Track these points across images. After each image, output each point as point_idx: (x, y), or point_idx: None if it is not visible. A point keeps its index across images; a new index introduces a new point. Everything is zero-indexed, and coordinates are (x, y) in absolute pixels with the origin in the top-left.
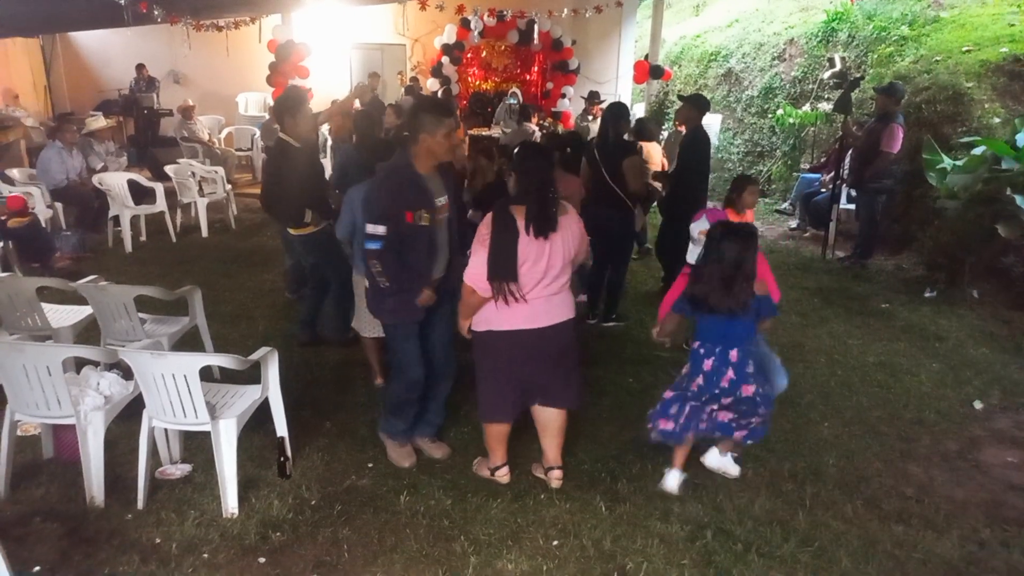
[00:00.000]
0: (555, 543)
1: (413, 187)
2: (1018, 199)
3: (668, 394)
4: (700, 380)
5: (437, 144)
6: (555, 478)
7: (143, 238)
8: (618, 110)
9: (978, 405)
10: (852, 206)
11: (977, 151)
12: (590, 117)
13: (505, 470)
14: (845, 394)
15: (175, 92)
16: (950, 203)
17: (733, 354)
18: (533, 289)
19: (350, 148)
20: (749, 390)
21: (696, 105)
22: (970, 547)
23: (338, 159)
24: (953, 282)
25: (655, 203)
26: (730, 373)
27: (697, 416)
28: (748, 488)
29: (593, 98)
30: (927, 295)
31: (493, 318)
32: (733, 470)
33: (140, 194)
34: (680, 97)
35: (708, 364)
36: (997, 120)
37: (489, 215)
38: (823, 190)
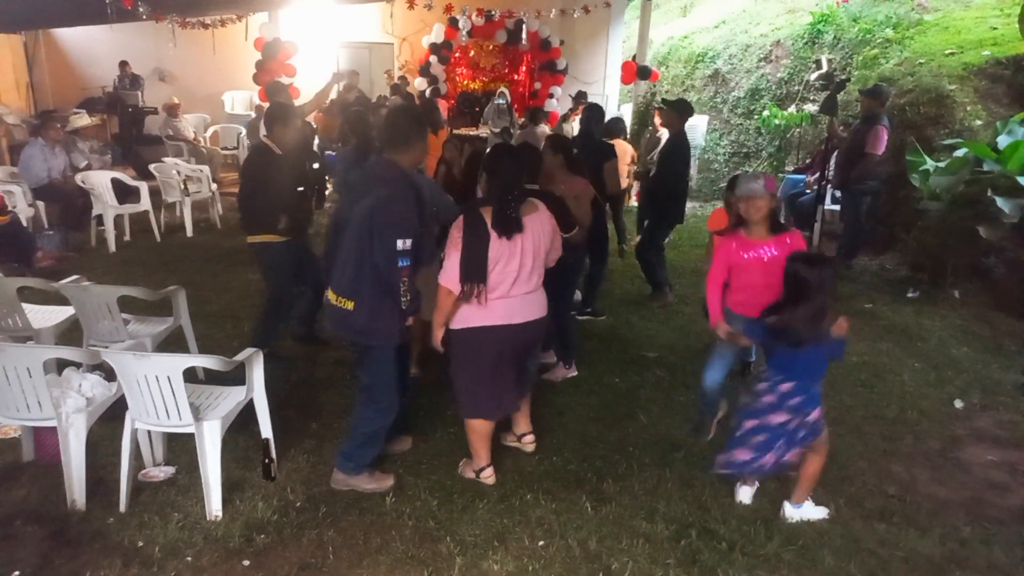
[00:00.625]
0: (541, 543)
1: (417, 197)
2: (999, 201)
3: (750, 423)
4: (784, 417)
5: (423, 152)
6: (528, 442)
7: (127, 238)
8: (598, 112)
9: (959, 404)
10: (837, 207)
11: (959, 153)
12: (574, 118)
13: (490, 471)
14: (829, 393)
15: (160, 90)
16: (933, 204)
17: (816, 388)
18: (512, 287)
19: (349, 153)
20: (817, 413)
21: (679, 111)
22: (951, 545)
23: (338, 169)
24: (936, 283)
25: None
26: (815, 413)
27: (777, 447)
28: (732, 488)
29: (580, 98)
30: (910, 295)
31: (473, 316)
32: (818, 513)
33: (124, 193)
34: (664, 102)
35: (796, 401)
36: (979, 122)
37: (460, 218)
38: (808, 191)
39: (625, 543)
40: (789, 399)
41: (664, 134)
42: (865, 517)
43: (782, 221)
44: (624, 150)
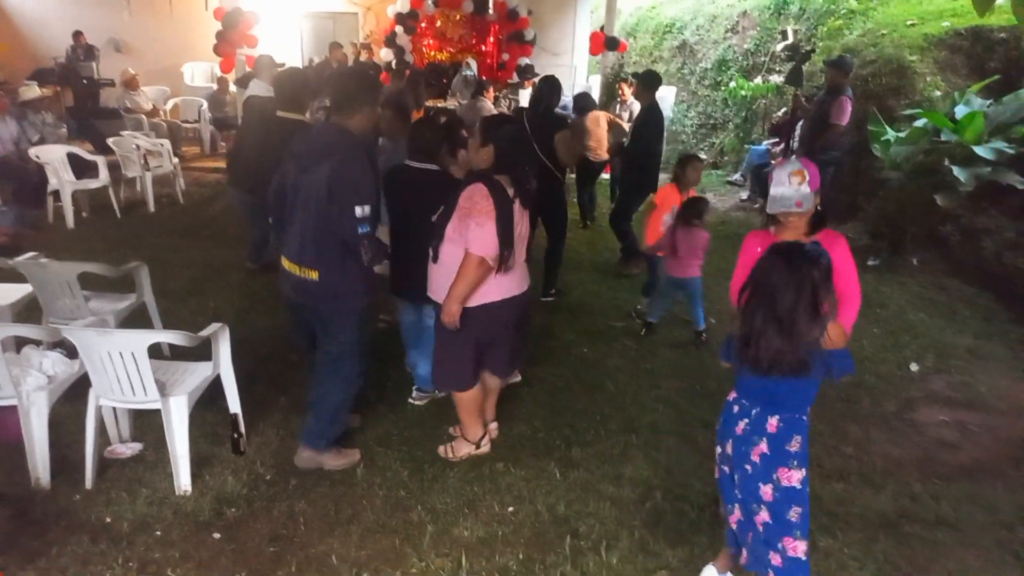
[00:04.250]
0: (510, 509)
1: (374, 164)
2: (955, 170)
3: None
4: (729, 447)
5: (374, 119)
6: (494, 429)
7: (85, 214)
8: (554, 83)
9: (914, 368)
10: None
11: (919, 123)
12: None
13: (487, 437)
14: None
15: (116, 61)
16: (893, 174)
17: (772, 423)
18: (519, 255)
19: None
20: (792, 478)
21: (648, 83)
22: (903, 501)
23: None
24: (895, 251)
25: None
26: (763, 446)
27: (730, 493)
28: (696, 450)
29: (527, 72)
30: (871, 263)
31: (491, 290)
32: None
33: (81, 168)
34: (634, 75)
35: (740, 428)
36: (938, 93)
37: (480, 187)
38: (772, 162)
39: (592, 506)
40: (735, 423)
41: (634, 105)
42: (824, 477)
43: (747, 193)
44: (597, 117)
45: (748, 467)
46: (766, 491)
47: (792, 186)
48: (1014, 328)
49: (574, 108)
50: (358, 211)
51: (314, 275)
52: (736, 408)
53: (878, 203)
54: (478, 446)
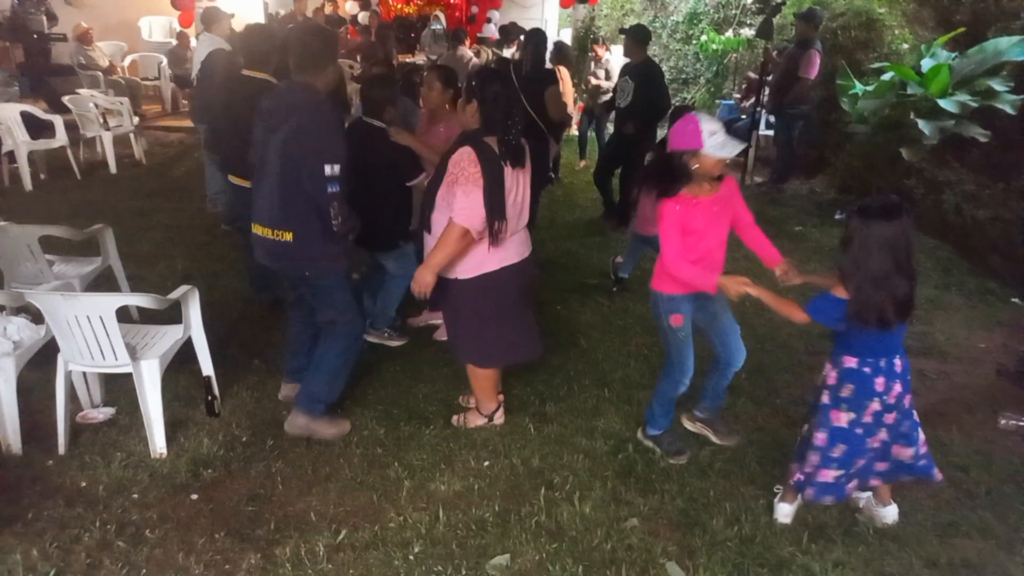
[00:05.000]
0: (486, 463)
1: (341, 122)
2: (920, 123)
3: (821, 438)
4: (877, 405)
5: (337, 76)
6: (499, 398)
7: (44, 176)
8: (541, 36)
9: None
10: (771, 132)
11: (886, 77)
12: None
13: (500, 410)
14: (759, 312)
15: (67, 14)
16: (860, 128)
17: (898, 363)
18: (518, 220)
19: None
20: (910, 400)
21: (638, 38)
22: None
23: None
24: None
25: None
26: (898, 387)
27: (860, 448)
28: (731, 426)
29: (513, 33)
30: (837, 217)
31: (488, 259)
32: (892, 516)
33: (37, 128)
34: (622, 31)
35: (880, 384)
36: (906, 46)
37: (468, 150)
38: (743, 117)
39: (566, 459)
40: (872, 382)
41: (610, 63)
42: (789, 425)
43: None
44: (565, 76)
45: (900, 414)
46: (907, 424)
47: (727, 135)
48: (971, 279)
49: (552, 57)
50: (327, 169)
51: (288, 236)
52: (867, 370)
53: (845, 157)
54: (491, 419)
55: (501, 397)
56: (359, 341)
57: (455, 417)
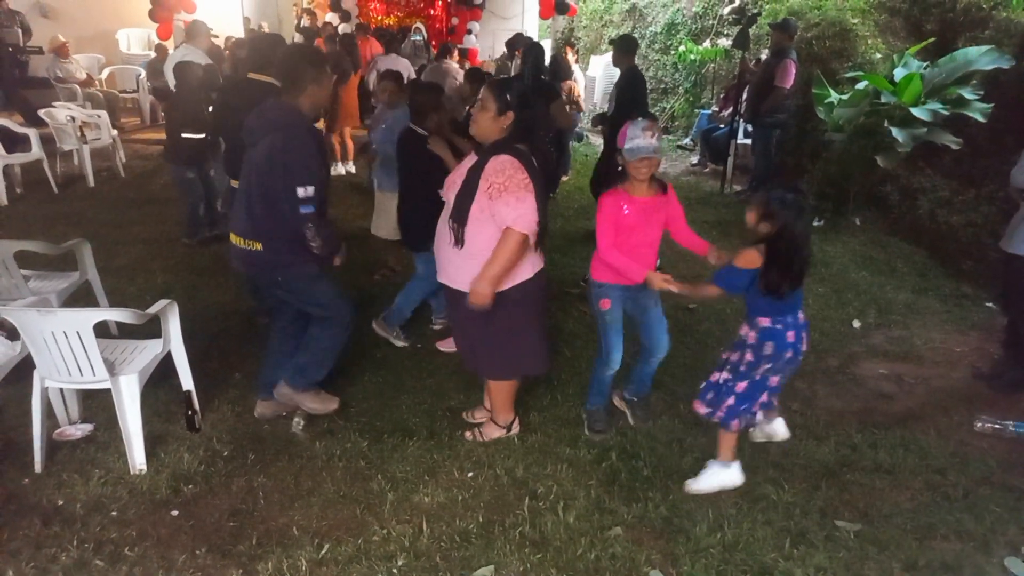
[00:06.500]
0: (470, 475)
1: (319, 143)
2: (894, 131)
3: (741, 386)
4: (790, 353)
5: (324, 94)
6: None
7: (20, 190)
8: (540, 50)
9: (856, 324)
10: (749, 141)
11: (860, 86)
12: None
13: (516, 420)
14: (740, 320)
15: (43, 27)
16: (836, 136)
17: (800, 316)
18: None
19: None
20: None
21: (625, 48)
22: (844, 451)
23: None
24: (839, 211)
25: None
26: (804, 335)
27: (773, 390)
28: (650, 412)
29: (518, 42)
30: (815, 224)
31: (523, 267)
32: (784, 431)
33: (12, 141)
34: (610, 41)
35: (791, 335)
36: (879, 55)
37: (509, 159)
38: (721, 126)
39: (550, 468)
40: (786, 336)
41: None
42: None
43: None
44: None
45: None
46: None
47: (646, 138)
48: (946, 283)
49: (550, 74)
50: (300, 191)
51: (258, 246)
52: (780, 327)
53: (822, 165)
54: (509, 430)
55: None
56: (348, 329)
57: (468, 432)
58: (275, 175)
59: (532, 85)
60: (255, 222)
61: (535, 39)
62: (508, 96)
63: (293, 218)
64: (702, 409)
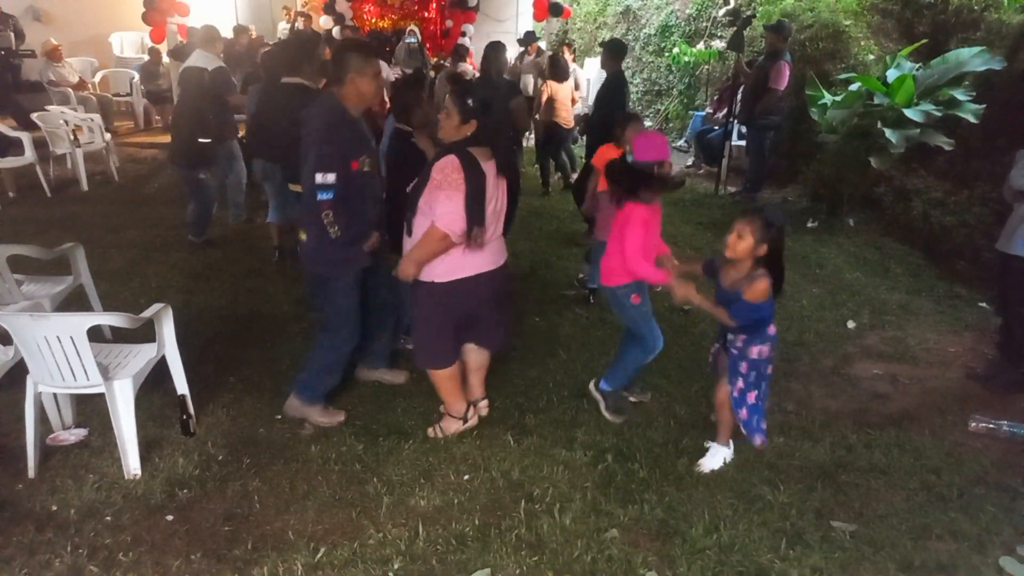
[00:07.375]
0: (466, 477)
1: (354, 133)
2: (887, 132)
3: (752, 396)
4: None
5: (367, 85)
6: (483, 407)
7: (12, 194)
8: (501, 48)
9: (851, 325)
10: (743, 142)
11: (853, 87)
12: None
13: (473, 410)
14: None
15: (36, 31)
16: (830, 137)
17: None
18: (495, 229)
19: (256, 91)
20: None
21: (613, 51)
22: (839, 452)
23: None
24: (833, 212)
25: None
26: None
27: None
28: (646, 414)
29: (529, 38)
30: (810, 225)
31: (462, 265)
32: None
33: (4, 145)
34: (601, 44)
35: (772, 328)
36: (871, 57)
37: (452, 158)
38: (715, 128)
39: (546, 471)
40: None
41: (577, 71)
42: (766, 432)
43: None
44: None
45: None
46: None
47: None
48: (940, 283)
49: (551, 72)
50: (319, 178)
51: (303, 235)
52: (774, 327)
53: (816, 166)
54: (465, 420)
55: (484, 404)
56: (345, 347)
57: (431, 429)
58: (307, 162)
59: (495, 83)
60: (303, 210)
61: (497, 40)
62: (470, 103)
63: (312, 203)
64: (758, 440)
